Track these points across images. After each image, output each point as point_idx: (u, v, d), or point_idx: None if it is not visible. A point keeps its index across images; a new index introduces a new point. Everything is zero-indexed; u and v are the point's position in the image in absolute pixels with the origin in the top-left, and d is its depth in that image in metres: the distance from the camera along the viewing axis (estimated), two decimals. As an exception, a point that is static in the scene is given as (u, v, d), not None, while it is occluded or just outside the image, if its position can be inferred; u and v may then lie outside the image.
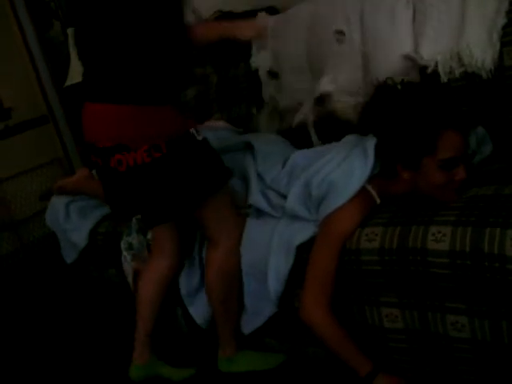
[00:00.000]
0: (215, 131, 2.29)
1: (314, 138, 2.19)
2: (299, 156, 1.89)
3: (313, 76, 2.35)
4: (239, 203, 1.93)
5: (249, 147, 1.99)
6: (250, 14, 2.67)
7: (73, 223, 2.45)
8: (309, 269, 1.61)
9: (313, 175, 1.71)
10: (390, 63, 2.06)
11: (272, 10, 2.69)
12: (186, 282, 2.02)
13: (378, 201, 1.63)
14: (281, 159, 1.92)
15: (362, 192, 1.62)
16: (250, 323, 1.86)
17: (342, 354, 1.54)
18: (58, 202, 2.50)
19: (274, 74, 2.47)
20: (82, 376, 2.30)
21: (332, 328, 1.56)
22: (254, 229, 1.84)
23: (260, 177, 1.90)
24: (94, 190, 2.40)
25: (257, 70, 2.56)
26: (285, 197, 1.78)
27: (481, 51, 1.85)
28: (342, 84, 2.24)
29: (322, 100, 2.16)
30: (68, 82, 3.20)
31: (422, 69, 1.98)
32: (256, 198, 1.87)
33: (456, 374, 1.49)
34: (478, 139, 1.74)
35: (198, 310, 2.01)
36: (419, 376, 1.57)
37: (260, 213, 1.87)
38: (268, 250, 1.74)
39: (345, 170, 1.64)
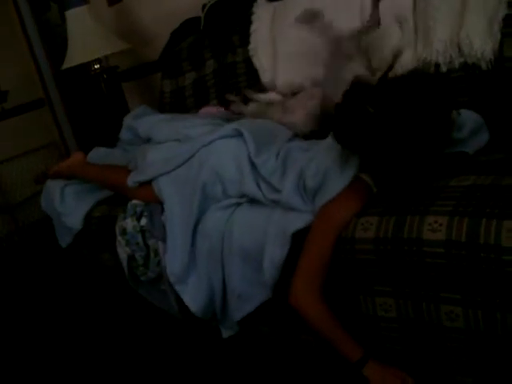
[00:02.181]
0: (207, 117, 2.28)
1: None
2: (292, 148, 1.88)
3: (310, 63, 2.34)
4: (232, 192, 1.92)
5: (240, 134, 1.96)
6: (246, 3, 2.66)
7: (68, 207, 2.43)
8: (303, 255, 1.60)
9: (306, 165, 1.70)
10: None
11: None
12: (174, 268, 1.95)
13: (375, 189, 1.62)
14: (274, 149, 1.89)
15: (358, 181, 1.61)
16: (241, 309, 1.85)
17: (332, 340, 1.54)
18: (53, 186, 2.49)
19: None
20: (74, 358, 2.31)
21: (322, 314, 1.55)
22: (248, 215, 1.83)
23: (254, 166, 1.89)
24: (88, 175, 2.39)
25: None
26: (279, 191, 1.77)
27: (481, 42, 1.85)
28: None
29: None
30: (65, 65, 3.17)
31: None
32: (250, 188, 1.85)
33: (449, 363, 1.49)
34: (475, 127, 1.73)
35: (191, 296, 1.97)
36: (411, 365, 1.57)
37: (254, 201, 1.86)
38: (263, 238, 1.73)
39: (338, 159, 1.63)
